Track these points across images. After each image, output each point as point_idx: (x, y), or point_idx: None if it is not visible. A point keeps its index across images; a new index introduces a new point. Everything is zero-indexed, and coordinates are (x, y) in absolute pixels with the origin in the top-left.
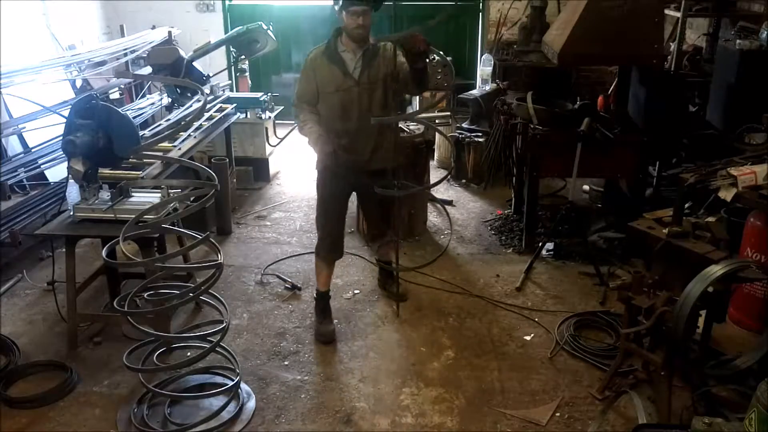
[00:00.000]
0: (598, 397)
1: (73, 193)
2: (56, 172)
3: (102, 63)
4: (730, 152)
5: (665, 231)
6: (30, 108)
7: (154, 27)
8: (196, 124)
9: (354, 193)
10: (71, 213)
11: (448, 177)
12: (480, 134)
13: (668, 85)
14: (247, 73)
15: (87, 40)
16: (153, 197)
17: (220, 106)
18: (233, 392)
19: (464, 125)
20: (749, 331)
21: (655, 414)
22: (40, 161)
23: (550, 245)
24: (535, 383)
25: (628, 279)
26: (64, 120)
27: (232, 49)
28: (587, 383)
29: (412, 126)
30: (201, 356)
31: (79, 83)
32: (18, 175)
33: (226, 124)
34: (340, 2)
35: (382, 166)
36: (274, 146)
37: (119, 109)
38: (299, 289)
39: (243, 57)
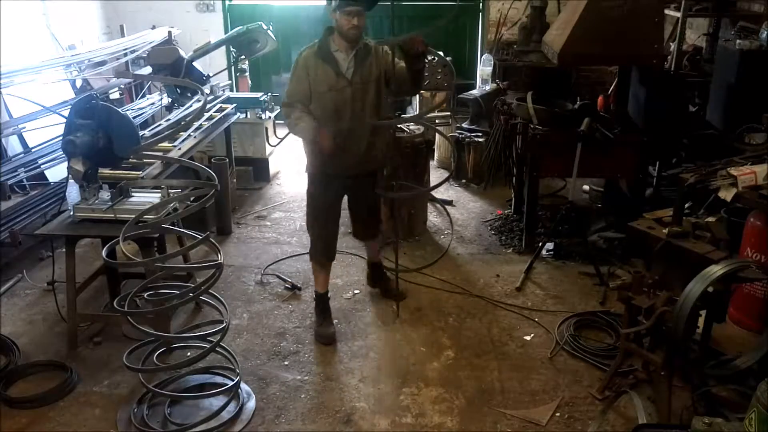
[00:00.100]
0: (598, 397)
1: (73, 193)
2: (56, 172)
3: (102, 63)
4: (730, 152)
5: (665, 231)
6: (30, 108)
7: (154, 27)
8: (196, 124)
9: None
10: (71, 213)
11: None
12: (480, 134)
13: (668, 85)
14: (247, 73)
15: (87, 40)
16: (153, 197)
17: (220, 106)
18: (233, 392)
19: (464, 125)
20: (749, 331)
21: (655, 414)
22: (40, 161)
23: (550, 245)
24: (535, 383)
25: (628, 279)
26: (64, 120)
27: (232, 49)
28: (587, 383)
29: (412, 126)
30: (201, 356)
31: (79, 83)
32: (18, 175)
33: (226, 124)
34: (335, 3)
35: (376, 167)
36: (274, 146)
37: (119, 109)
38: (299, 289)
39: (243, 57)
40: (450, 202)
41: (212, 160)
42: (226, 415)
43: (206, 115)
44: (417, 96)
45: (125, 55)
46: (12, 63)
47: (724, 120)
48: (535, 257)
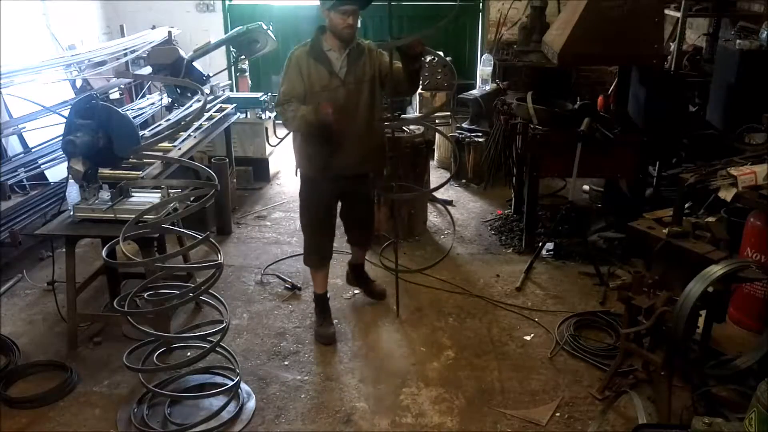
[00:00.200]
0: (598, 397)
1: (73, 193)
2: (56, 172)
3: (102, 63)
4: (730, 152)
5: (665, 231)
6: (30, 108)
7: (154, 27)
8: (196, 124)
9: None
10: (71, 213)
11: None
12: (480, 134)
13: (668, 85)
14: (247, 73)
15: (87, 40)
16: (153, 197)
17: (220, 106)
18: (233, 392)
19: (464, 125)
20: (749, 331)
21: (655, 414)
22: (40, 161)
23: (550, 245)
24: (535, 383)
25: (628, 279)
26: (64, 120)
27: (232, 49)
28: (587, 383)
29: (412, 126)
30: (201, 356)
31: (79, 83)
32: (18, 175)
33: (226, 124)
34: (329, 2)
35: (370, 169)
36: (274, 146)
37: (119, 109)
38: (299, 289)
39: (243, 57)
40: (450, 202)
41: (212, 160)
42: (226, 415)
43: (206, 115)
44: (417, 96)
45: (125, 55)
46: (12, 63)
47: (724, 120)
48: (535, 257)
